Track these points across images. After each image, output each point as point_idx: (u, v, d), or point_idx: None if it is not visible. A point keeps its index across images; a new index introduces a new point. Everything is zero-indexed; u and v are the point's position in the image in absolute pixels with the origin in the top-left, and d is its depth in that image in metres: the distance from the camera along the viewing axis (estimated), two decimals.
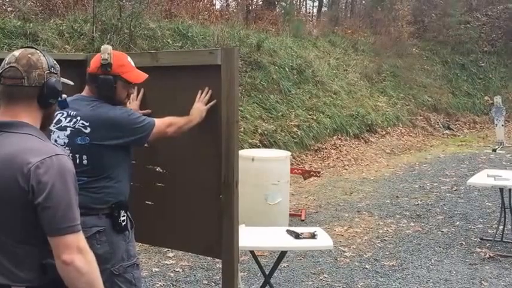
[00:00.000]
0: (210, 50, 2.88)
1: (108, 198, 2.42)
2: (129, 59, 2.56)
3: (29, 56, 1.70)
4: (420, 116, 12.96)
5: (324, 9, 19.59)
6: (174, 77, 2.84)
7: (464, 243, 5.22)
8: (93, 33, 8.10)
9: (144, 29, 8.92)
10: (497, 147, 10.79)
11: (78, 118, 2.39)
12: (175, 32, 9.56)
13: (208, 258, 4.32)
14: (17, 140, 1.63)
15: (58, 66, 1.80)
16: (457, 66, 15.63)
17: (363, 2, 18.30)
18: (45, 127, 1.78)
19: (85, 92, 2.52)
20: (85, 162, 2.38)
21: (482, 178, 5.20)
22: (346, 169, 9.00)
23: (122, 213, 2.44)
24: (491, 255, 4.80)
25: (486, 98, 14.60)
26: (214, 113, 2.72)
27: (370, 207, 6.60)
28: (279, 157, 5.84)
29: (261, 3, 16.75)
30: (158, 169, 2.95)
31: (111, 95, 2.46)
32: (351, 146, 10.13)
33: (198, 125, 2.73)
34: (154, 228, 2.96)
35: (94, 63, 2.46)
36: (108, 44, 7.88)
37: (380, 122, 11.41)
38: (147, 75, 2.58)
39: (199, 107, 2.70)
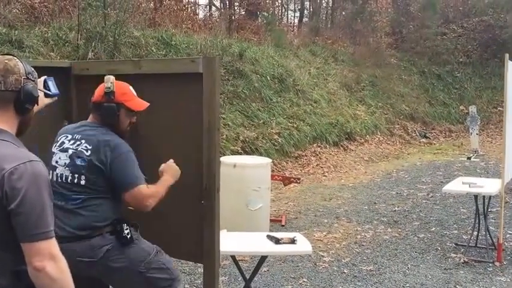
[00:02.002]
0: (192, 58, 2.95)
1: (107, 215, 2.49)
2: (131, 88, 2.67)
3: (6, 61, 1.70)
4: (398, 124, 13.20)
5: (305, 19, 19.84)
6: (156, 85, 2.90)
7: (439, 248, 5.36)
8: (77, 40, 8.14)
9: (128, 37, 8.98)
10: (471, 155, 11.03)
11: (83, 141, 2.49)
12: (159, 41, 9.64)
13: (190, 262, 4.37)
14: None
15: (36, 74, 1.81)
16: (433, 76, 15.95)
17: (343, 13, 18.55)
18: (21, 133, 1.78)
19: (90, 120, 2.63)
20: (83, 182, 2.45)
21: (458, 185, 5.35)
22: (325, 176, 9.14)
23: (125, 226, 2.50)
24: (466, 260, 4.93)
25: (461, 107, 14.92)
26: (196, 121, 2.79)
27: (349, 213, 6.73)
28: (260, 164, 5.93)
29: (243, 13, 16.92)
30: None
31: (114, 122, 2.57)
32: (331, 154, 10.28)
33: (181, 132, 2.80)
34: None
35: (98, 92, 2.57)
36: (92, 51, 7.98)
37: (359, 130, 11.60)
38: (149, 103, 2.68)
39: (173, 167, 2.71)
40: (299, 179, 7.58)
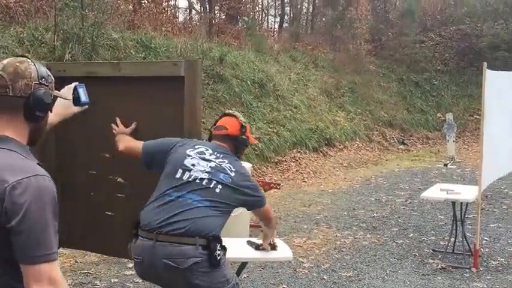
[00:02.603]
0: (173, 62, 2.93)
1: (213, 228, 2.51)
2: None
3: (17, 64, 1.58)
4: (376, 131, 13.31)
5: (285, 25, 19.92)
6: (136, 88, 2.86)
7: (417, 254, 5.39)
8: (54, 41, 8.01)
9: (106, 39, 8.88)
10: (448, 162, 11.17)
11: (226, 161, 2.68)
12: (138, 43, 9.55)
13: None
14: None
15: (52, 78, 1.68)
16: (411, 83, 16.15)
17: (323, 19, 18.68)
18: (33, 142, 1.65)
19: (220, 145, 2.80)
20: (218, 191, 2.56)
21: (436, 192, 5.40)
22: (305, 182, 9.15)
23: (218, 246, 2.49)
24: (443, 266, 4.97)
25: (439, 115, 15.13)
26: (177, 125, 2.76)
27: (328, 219, 6.73)
28: None
29: (223, 17, 16.91)
30: (120, 180, 2.96)
31: (242, 152, 2.92)
32: (310, 159, 10.30)
33: (161, 137, 2.76)
34: (115, 239, 2.95)
35: (234, 127, 2.83)
36: (69, 52, 7.85)
37: (338, 136, 11.66)
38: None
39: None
40: (279, 184, 7.56)
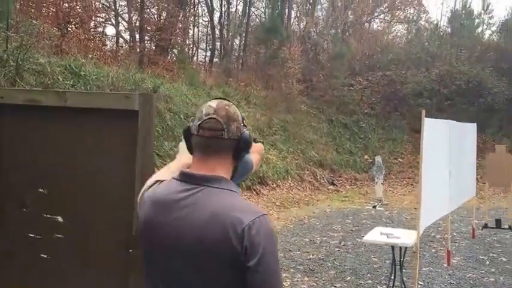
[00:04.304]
0: (126, 94, 2.67)
1: None
2: None
3: (227, 107, 1.66)
4: (308, 170, 13.42)
5: (215, 59, 19.94)
6: (83, 121, 2.59)
7: None
8: None
9: (32, 64, 8.32)
10: (376, 204, 11.40)
11: None
12: (67, 70, 9.06)
13: None
14: (222, 196, 1.58)
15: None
16: (340, 125, 16.59)
17: (253, 56, 18.93)
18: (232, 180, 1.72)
19: None
20: None
21: (376, 236, 5.38)
22: None
23: None
24: None
25: (366, 156, 15.57)
26: (128, 161, 2.50)
27: None
28: None
29: (154, 48, 16.62)
30: (59, 219, 2.64)
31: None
32: (243, 197, 10.11)
33: (109, 176, 2.50)
34: (49, 286, 2.60)
35: None
36: None
37: (271, 174, 11.60)
38: None
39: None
40: None
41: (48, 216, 2.63)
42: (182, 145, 2.27)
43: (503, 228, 8.49)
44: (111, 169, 2.53)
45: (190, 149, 1.73)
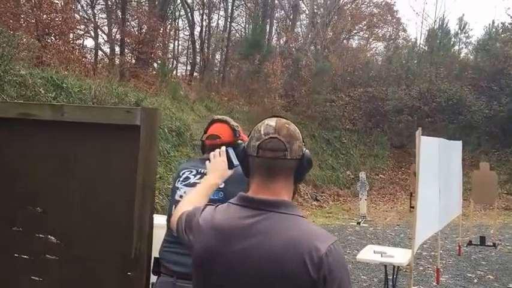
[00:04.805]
0: (127, 109, 2.55)
1: None
2: None
3: (287, 125, 1.56)
4: None
5: (195, 73, 19.84)
6: (81, 136, 2.45)
7: None
8: None
9: (13, 75, 8.09)
10: (360, 220, 11.36)
11: None
12: (49, 82, 8.85)
13: None
14: (294, 222, 1.52)
15: None
16: (323, 140, 16.59)
17: (234, 71, 18.91)
18: None
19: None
20: None
21: (370, 254, 5.30)
22: None
23: None
24: None
25: (348, 172, 15.58)
26: (129, 178, 2.37)
27: None
28: (158, 224, 5.41)
29: (134, 61, 16.45)
30: (52, 239, 2.48)
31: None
32: None
33: (107, 195, 2.36)
34: None
35: (226, 133, 2.74)
36: None
37: None
38: None
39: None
40: None
41: (41, 236, 2.48)
42: (208, 165, 2.23)
43: (488, 245, 8.51)
44: (110, 187, 2.40)
45: (247, 172, 1.62)
